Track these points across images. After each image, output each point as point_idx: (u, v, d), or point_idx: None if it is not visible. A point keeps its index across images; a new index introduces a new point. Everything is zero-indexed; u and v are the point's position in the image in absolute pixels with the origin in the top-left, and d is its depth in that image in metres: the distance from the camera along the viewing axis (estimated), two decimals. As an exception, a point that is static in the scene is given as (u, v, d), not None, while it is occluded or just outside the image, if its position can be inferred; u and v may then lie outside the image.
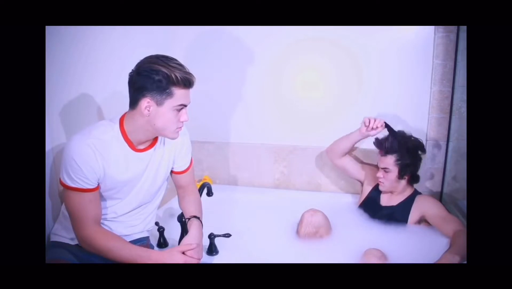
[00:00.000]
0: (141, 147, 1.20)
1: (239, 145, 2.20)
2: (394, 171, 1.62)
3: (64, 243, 1.21)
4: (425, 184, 1.96)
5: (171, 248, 1.24)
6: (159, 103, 1.09)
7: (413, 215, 1.62)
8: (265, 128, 2.15)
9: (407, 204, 1.65)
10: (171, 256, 1.14)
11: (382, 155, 1.64)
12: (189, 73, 1.12)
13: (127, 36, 1.68)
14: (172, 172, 1.36)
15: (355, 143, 1.80)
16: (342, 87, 2.02)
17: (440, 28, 1.81)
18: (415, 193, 1.69)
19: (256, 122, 2.16)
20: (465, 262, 1.26)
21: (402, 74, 1.92)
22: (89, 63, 1.47)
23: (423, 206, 1.61)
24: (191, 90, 1.16)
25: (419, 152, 1.65)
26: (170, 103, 1.10)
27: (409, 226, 1.60)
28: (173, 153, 1.31)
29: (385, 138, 1.64)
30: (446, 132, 1.90)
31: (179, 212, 1.43)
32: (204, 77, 2.13)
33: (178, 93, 1.10)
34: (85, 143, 1.08)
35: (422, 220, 1.61)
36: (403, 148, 1.60)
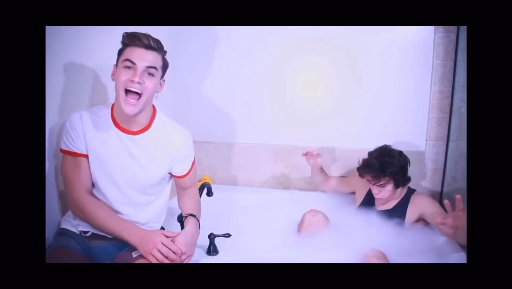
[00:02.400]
0: (130, 129, 1.22)
1: (239, 145, 2.20)
2: (390, 184, 1.61)
3: (70, 231, 1.23)
4: (425, 184, 1.96)
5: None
6: (117, 65, 1.17)
7: (410, 215, 1.61)
8: (265, 128, 2.16)
9: (403, 205, 1.65)
10: (152, 237, 1.15)
11: (372, 179, 1.61)
12: (144, 34, 1.14)
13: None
14: (174, 176, 1.35)
15: (320, 174, 1.90)
16: (342, 87, 2.02)
17: (440, 28, 1.81)
18: (409, 192, 1.68)
19: (256, 122, 2.16)
20: (457, 262, 1.27)
21: (402, 74, 1.92)
22: (89, 63, 1.47)
23: (419, 205, 1.61)
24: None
25: (406, 161, 1.65)
26: (120, 61, 1.15)
27: (408, 226, 1.60)
28: (173, 153, 1.28)
29: (368, 164, 1.62)
30: (446, 132, 1.90)
31: (179, 212, 1.43)
32: (204, 77, 2.13)
33: (128, 50, 1.14)
34: (79, 113, 1.20)
35: (420, 219, 1.61)
36: (392, 166, 1.58)
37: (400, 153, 1.65)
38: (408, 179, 1.66)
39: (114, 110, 1.22)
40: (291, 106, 2.09)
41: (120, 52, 1.17)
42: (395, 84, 1.94)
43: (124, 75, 1.11)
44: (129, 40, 1.14)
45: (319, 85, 2.05)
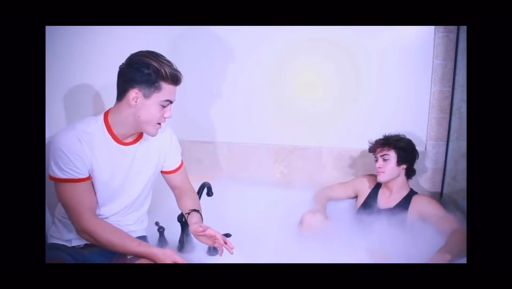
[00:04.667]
0: (126, 140, 1.21)
1: (239, 145, 2.20)
2: (392, 157, 1.65)
3: (60, 244, 1.21)
4: (425, 184, 1.96)
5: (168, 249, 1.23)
6: (146, 96, 1.11)
7: (411, 215, 1.62)
8: (265, 128, 2.15)
9: (404, 205, 1.65)
10: (166, 257, 1.15)
11: (378, 147, 1.70)
12: (178, 70, 1.15)
13: (127, 36, 1.68)
14: (163, 172, 1.37)
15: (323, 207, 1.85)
16: (342, 87, 2.02)
17: (440, 28, 1.81)
18: (412, 193, 1.69)
19: (256, 122, 2.16)
20: (458, 261, 1.28)
21: (402, 74, 1.92)
22: (89, 63, 1.48)
23: (420, 206, 1.62)
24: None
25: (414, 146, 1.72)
26: (157, 97, 1.12)
27: (409, 226, 1.60)
28: (162, 151, 1.31)
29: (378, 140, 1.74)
30: (446, 132, 1.90)
31: (179, 212, 1.43)
32: (204, 77, 2.13)
33: (166, 88, 1.12)
34: (71, 134, 1.11)
35: (421, 220, 1.61)
36: (397, 138, 1.70)
37: (408, 139, 1.73)
38: (412, 171, 1.71)
39: (111, 125, 1.17)
40: (291, 106, 2.09)
41: (152, 83, 1.10)
42: (395, 84, 1.94)
43: (159, 112, 1.15)
44: (172, 80, 1.12)
45: (319, 85, 2.05)
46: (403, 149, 1.66)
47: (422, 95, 1.90)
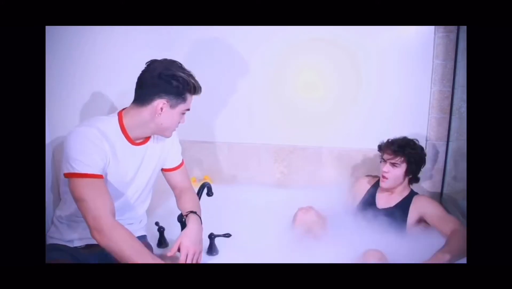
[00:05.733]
0: (137, 141, 1.24)
1: (239, 145, 2.20)
2: (402, 167, 1.62)
3: (61, 245, 1.21)
4: (425, 184, 1.96)
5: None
6: (172, 106, 1.18)
7: (412, 216, 1.61)
8: (265, 128, 2.15)
9: (405, 205, 1.65)
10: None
11: (390, 153, 1.63)
12: (198, 82, 1.22)
13: (127, 36, 1.68)
14: (164, 170, 1.38)
15: None
16: (342, 87, 2.02)
17: (440, 28, 1.81)
18: (412, 194, 1.68)
19: (256, 122, 2.16)
20: (458, 261, 1.28)
21: (402, 74, 1.92)
22: (89, 63, 1.48)
23: (421, 207, 1.61)
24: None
25: (424, 158, 1.67)
26: (182, 107, 1.20)
27: (408, 226, 1.60)
28: (164, 150, 1.34)
29: (394, 140, 1.66)
30: (446, 132, 1.90)
31: (179, 212, 1.43)
32: (205, 77, 2.12)
33: (189, 99, 1.21)
34: (93, 127, 1.11)
35: (421, 220, 1.61)
36: (412, 149, 1.63)
37: (422, 148, 1.68)
38: (417, 179, 1.69)
39: (126, 126, 1.19)
40: (291, 106, 2.09)
41: (179, 94, 1.17)
42: (395, 84, 1.94)
43: (180, 119, 1.24)
44: (196, 91, 1.21)
45: (319, 85, 2.05)
46: (416, 163, 1.63)
47: (422, 95, 1.90)
